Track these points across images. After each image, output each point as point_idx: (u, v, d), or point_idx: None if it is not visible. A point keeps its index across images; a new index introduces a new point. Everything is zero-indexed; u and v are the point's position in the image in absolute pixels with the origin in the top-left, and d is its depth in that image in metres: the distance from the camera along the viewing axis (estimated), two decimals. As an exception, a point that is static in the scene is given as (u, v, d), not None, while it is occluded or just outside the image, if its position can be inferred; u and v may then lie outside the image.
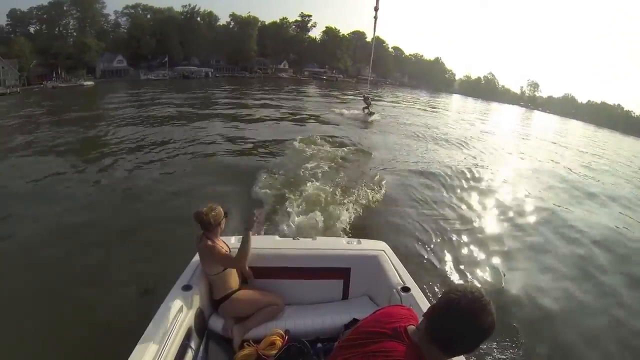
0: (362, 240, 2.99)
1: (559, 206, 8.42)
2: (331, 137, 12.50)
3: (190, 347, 2.08)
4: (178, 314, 2.02)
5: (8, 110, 23.26)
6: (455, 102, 61.11)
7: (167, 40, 60.29)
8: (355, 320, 2.33)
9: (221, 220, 2.44)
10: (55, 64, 50.17)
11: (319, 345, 2.29)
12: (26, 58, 47.82)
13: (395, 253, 2.82)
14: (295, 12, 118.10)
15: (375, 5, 21.06)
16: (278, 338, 2.26)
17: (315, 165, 8.38)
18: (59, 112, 21.71)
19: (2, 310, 3.40)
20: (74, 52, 52.05)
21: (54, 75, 49.35)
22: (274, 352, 2.17)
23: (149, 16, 64.46)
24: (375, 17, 21.48)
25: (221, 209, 2.46)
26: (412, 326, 1.13)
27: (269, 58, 71.61)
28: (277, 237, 2.99)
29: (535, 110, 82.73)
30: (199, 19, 68.15)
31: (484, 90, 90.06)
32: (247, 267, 2.52)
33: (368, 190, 7.02)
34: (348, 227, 5.32)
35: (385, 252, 2.79)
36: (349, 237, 3.98)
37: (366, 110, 20.03)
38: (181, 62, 62.07)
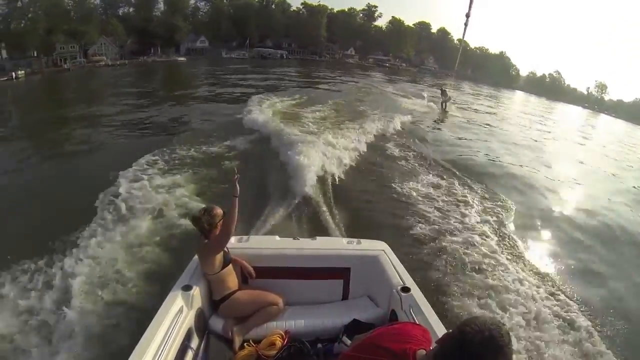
0: (362, 240, 2.97)
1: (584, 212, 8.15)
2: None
3: (190, 347, 2.09)
4: (178, 314, 2.03)
5: (135, 76, 28.43)
6: (520, 99, 59.17)
7: (245, 24, 65.33)
8: (355, 321, 2.39)
9: (218, 221, 2.39)
10: (151, 42, 56.71)
11: (319, 345, 2.30)
12: (118, 37, 54.71)
13: (395, 253, 2.81)
14: (362, 2, 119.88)
15: (467, 12, 22.11)
16: (278, 338, 2.27)
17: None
18: (186, 78, 26.46)
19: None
20: (165, 32, 58.38)
21: (152, 51, 56.08)
22: (274, 352, 2.19)
23: (225, 0, 70.10)
24: (466, 24, 22.49)
25: (219, 210, 2.43)
26: (423, 351, 1.10)
27: (337, 44, 75.03)
28: (277, 237, 2.98)
29: (601, 114, 78.17)
30: (273, 6, 73.00)
31: (549, 88, 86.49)
32: (233, 230, 2.41)
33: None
34: (348, 226, 5.26)
35: (385, 252, 2.78)
36: (349, 237, 4.02)
37: (444, 105, 19.94)
38: (257, 44, 67.43)
